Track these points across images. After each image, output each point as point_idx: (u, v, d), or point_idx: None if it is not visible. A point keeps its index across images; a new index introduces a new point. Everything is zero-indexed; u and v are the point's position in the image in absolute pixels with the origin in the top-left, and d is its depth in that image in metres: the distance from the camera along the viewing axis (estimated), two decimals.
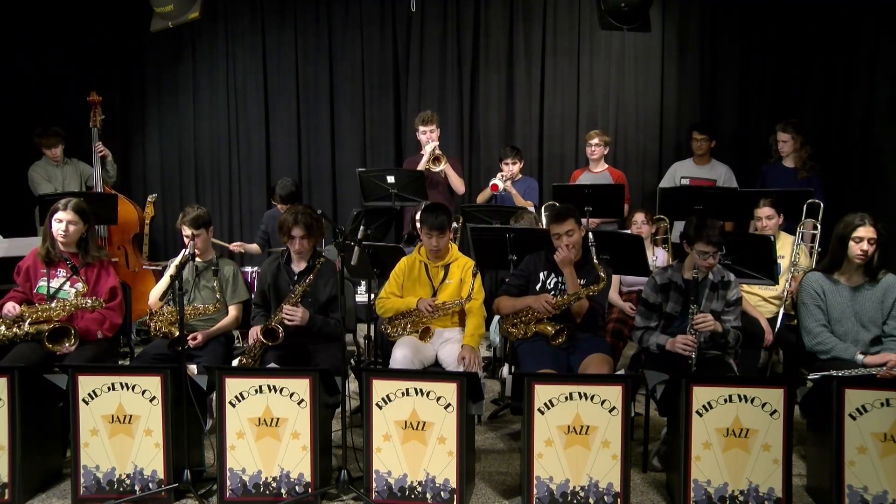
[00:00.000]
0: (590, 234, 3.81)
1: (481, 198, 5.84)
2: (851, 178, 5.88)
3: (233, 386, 3.19)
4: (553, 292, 3.83)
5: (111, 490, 3.21)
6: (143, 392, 3.22)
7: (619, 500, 3.06)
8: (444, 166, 5.58)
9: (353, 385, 3.75)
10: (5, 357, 3.65)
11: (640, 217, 4.95)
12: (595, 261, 3.70)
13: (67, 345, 3.70)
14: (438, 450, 3.11)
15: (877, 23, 5.66)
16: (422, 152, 5.65)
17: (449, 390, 3.11)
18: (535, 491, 3.08)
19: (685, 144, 6.27)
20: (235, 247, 5.43)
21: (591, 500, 3.07)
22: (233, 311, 4.12)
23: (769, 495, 3.03)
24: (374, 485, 3.15)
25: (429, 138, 5.62)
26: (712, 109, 6.48)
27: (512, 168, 5.63)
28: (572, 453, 3.08)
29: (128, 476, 3.22)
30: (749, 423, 3.04)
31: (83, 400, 3.21)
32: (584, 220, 4.94)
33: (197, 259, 4.05)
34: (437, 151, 5.58)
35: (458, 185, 5.71)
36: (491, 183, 5.57)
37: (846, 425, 3.01)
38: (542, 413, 3.09)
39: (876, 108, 5.68)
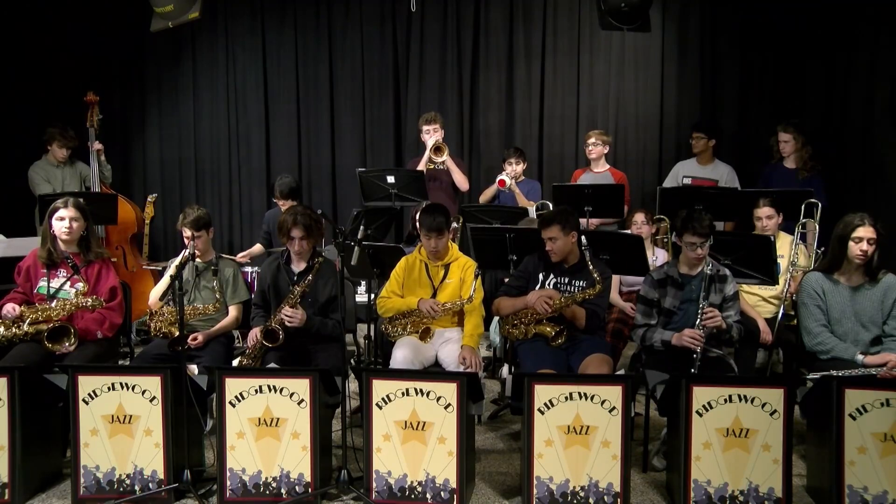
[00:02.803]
0: (583, 237, 3.78)
1: (486, 195, 5.85)
2: (851, 178, 5.88)
3: (233, 386, 3.19)
4: None
5: (111, 490, 3.21)
6: (143, 392, 3.21)
7: (619, 500, 3.06)
8: (445, 157, 5.59)
9: (353, 385, 3.75)
10: (5, 357, 3.65)
11: (640, 217, 4.95)
12: (590, 265, 3.69)
13: (67, 344, 3.70)
14: (438, 450, 3.11)
15: (877, 23, 5.66)
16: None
17: (449, 390, 3.11)
18: (535, 491, 3.08)
19: (685, 144, 6.27)
20: (242, 258, 5.39)
21: (591, 500, 3.07)
22: (233, 311, 4.12)
23: (769, 495, 3.03)
24: (374, 485, 3.15)
25: (432, 137, 5.63)
26: (712, 109, 6.49)
27: (515, 168, 5.64)
28: (572, 453, 3.08)
29: (128, 476, 3.22)
30: (749, 423, 3.04)
31: (83, 400, 3.21)
32: (581, 221, 4.95)
33: (197, 259, 4.05)
34: (439, 142, 5.59)
35: (461, 181, 5.73)
36: (498, 178, 5.58)
37: (846, 425, 3.01)
38: (542, 413, 3.09)
39: (876, 108, 5.68)
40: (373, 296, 4.10)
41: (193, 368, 3.73)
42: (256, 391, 3.18)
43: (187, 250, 3.81)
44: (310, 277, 3.89)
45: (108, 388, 3.22)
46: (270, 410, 3.17)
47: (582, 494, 3.07)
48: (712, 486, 3.05)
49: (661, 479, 3.44)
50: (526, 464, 3.10)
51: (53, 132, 5.68)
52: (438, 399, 3.11)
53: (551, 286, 3.84)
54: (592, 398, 3.07)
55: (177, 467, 3.23)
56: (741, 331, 3.72)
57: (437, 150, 5.60)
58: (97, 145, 5.73)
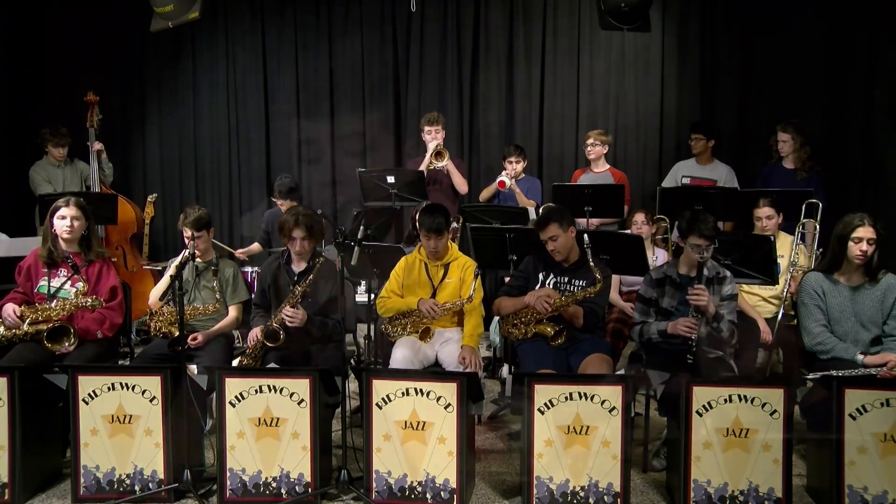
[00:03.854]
0: (585, 235, 3.79)
1: (485, 194, 5.85)
2: (851, 178, 5.88)
3: (233, 386, 3.19)
4: None
5: (111, 490, 3.22)
6: (143, 392, 3.22)
7: (619, 500, 3.06)
8: (446, 161, 5.59)
9: (353, 385, 3.75)
10: (5, 357, 3.64)
11: (640, 217, 4.95)
12: (591, 263, 3.69)
13: (67, 344, 3.70)
14: (438, 450, 3.11)
15: (877, 23, 5.67)
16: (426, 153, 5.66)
17: (449, 390, 3.12)
18: (535, 491, 3.09)
19: (685, 144, 6.27)
20: (240, 253, 5.39)
21: (591, 500, 3.07)
22: (233, 311, 4.12)
23: (769, 495, 3.03)
24: (374, 485, 3.15)
25: (433, 139, 5.63)
26: (712, 109, 6.49)
27: (515, 167, 5.64)
28: (572, 453, 3.08)
29: (128, 476, 3.22)
30: (749, 423, 3.04)
31: (83, 400, 3.22)
32: (581, 221, 4.96)
33: (197, 259, 4.05)
34: (440, 146, 5.59)
35: (460, 183, 5.73)
36: (498, 179, 5.57)
37: (846, 425, 3.01)
38: (542, 413, 3.09)
39: (876, 108, 5.68)
40: (373, 296, 4.10)
41: (193, 368, 3.73)
42: (256, 391, 3.18)
43: (187, 250, 3.81)
44: (310, 277, 3.89)
45: (108, 388, 3.22)
46: (270, 410, 3.18)
47: (582, 494, 3.07)
48: (712, 486, 3.05)
49: (661, 479, 3.44)
50: (526, 464, 3.10)
51: (45, 133, 5.68)
52: (438, 399, 3.12)
53: (551, 286, 3.84)
54: (592, 398, 3.07)
55: (177, 467, 3.23)
56: (733, 330, 3.69)
57: (437, 154, 5.59)
58: (97, 145, 5.73)
